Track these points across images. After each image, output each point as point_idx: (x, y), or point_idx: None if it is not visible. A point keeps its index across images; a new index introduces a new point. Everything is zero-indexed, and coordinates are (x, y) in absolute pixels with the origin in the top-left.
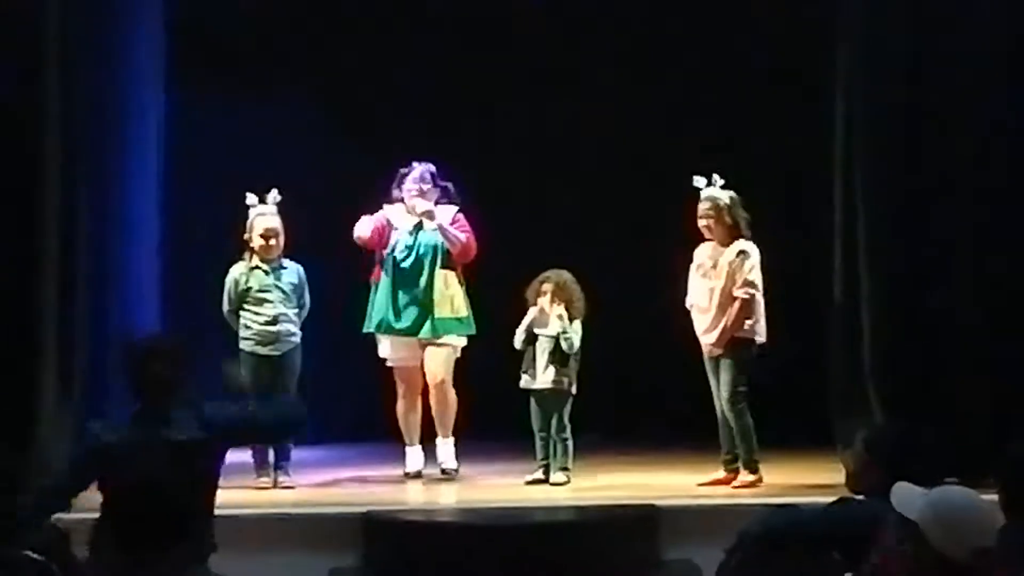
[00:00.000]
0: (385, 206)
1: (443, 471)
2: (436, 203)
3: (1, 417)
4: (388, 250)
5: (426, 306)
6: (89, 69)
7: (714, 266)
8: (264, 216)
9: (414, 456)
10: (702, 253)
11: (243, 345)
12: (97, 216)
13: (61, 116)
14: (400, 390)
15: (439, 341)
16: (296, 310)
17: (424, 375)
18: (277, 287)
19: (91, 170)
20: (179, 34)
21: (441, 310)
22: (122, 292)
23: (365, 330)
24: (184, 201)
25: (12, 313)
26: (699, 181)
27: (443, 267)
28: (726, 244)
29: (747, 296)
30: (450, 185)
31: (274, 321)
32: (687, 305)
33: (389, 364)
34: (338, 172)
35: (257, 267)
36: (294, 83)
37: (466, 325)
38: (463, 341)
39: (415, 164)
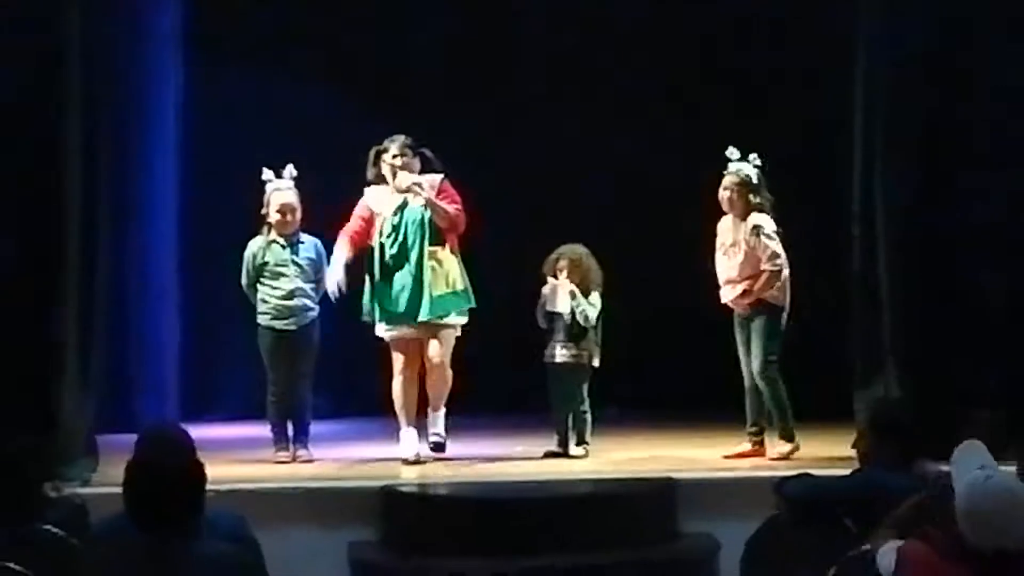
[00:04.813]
0: (366, 190)
1: (433, 444)
2: (420, 172)
3: (24, 402)
4: (376, 234)
5: (419, 287)
6: (109, 48)
7: (733, 244)
8: (280, 191)
9: (411, 439)
10: (722, 228)
11: (260, 320)
12: (117, 200)
13: (81, 98)
14: (398, 365)
15: (440, 323)
16: (313, 285)
17: (422, 350)
18: (294, 262)
19: (111, 154)
20: (198, 8)
21: (436, 288)
22: (142, 277)
23: (364, 318)
24: (203, 179)
25: (34, 300)
26: (732, 153)
27: (432, 243)
28: (743, 219)
29: (775, 268)
30: (428, 151)
31: (290, 295)
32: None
33: (387, 339)
34: (355, 147)
35: (274, 241)
36: (313, 58)
37: (464, 299)
38: (463, 319)
39: (390, 138)
